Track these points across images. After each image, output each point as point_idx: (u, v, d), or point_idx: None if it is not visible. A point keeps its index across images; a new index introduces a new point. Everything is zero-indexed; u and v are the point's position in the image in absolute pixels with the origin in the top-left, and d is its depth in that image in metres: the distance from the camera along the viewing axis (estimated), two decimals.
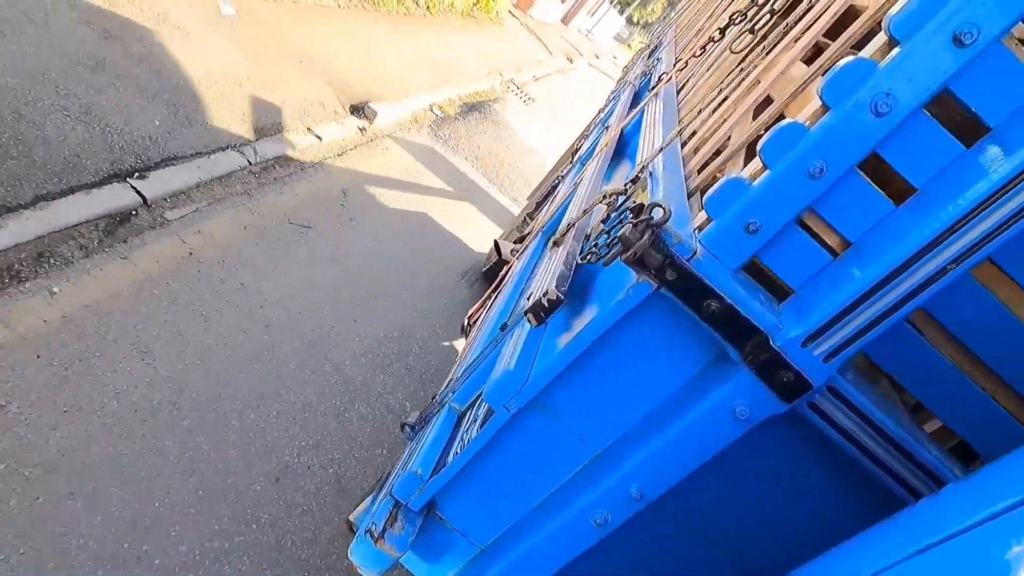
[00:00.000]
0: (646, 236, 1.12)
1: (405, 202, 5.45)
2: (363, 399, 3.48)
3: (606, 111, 4.83)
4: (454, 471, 1.53)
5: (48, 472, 2.26)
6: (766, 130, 1.48)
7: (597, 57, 23.63)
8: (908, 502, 1.33)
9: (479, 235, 6.01)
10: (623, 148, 2.77)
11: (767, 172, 1.12)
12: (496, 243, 5.54)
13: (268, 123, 4.67)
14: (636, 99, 3.63)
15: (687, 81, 2.76)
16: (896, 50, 1.02)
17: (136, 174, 3.39)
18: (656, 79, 3.08)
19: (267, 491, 2.75)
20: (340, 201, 4.70)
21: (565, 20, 24.02)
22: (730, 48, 1.95)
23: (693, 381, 1.27)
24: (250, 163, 4.19)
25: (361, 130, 5.78)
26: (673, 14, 7.10)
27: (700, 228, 1.23)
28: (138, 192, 3.34)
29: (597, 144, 3.47)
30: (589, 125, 5.93)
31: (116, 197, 3.22)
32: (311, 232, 4.16)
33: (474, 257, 5.63)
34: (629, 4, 31.36)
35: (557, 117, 11.81)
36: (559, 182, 4.54)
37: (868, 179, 1.10)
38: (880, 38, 1.09)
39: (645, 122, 2.30)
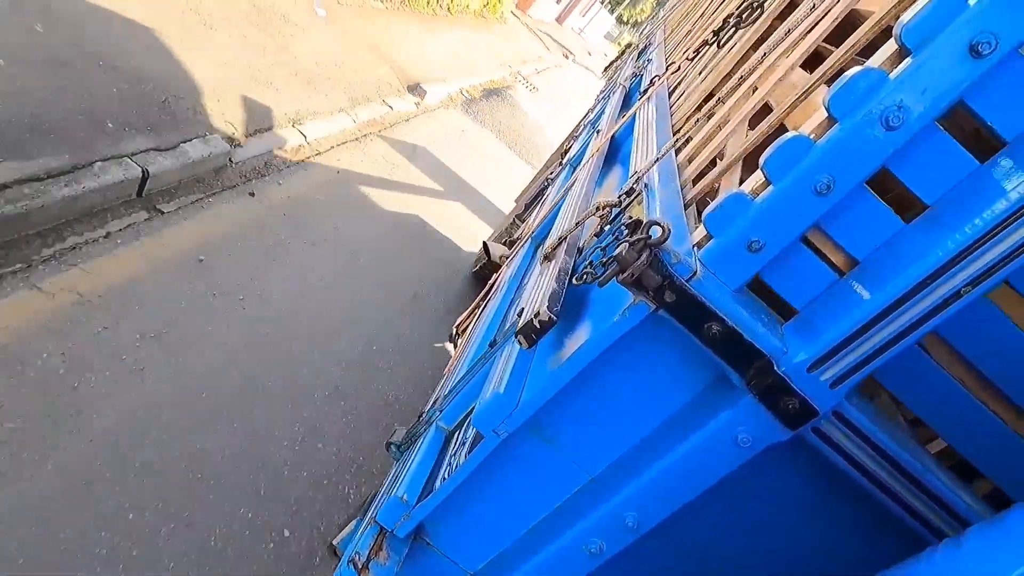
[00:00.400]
0: (644, 256, 1.05)
1: (452, 156, 7.53)
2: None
3: (595, 112, 4.76)
4: (442, 497, 1.46)
5: (292, 296, 3.83)
6: (765, 141, 1.42)
7: (589, 55, 23.67)
8: (916, 529, 1.28)
9: (506, 181, 8.07)
10: (615, 153, 2.70)
11: (770, 188, 1.06)
12: (485, 244, 5.46)
13: (359, 95, 6.61)
14: (627, 101, 3.57)
15: (679, 84, 2.70)
16: (908, 60, 0.96)
17: (296, 123, 5.26)
18: (648, 81, 3.02)
19: (408, 306, 4.63)
20: (410, 152, 6.78)
21: (559, 19, 24.09)
22: (726, 50, 1.88)
23: (692, 406, 1.21)
24: (354, 122, 6.16)
25: (416, 104, 7.65)
26: (662, 14, 7.05)
27: (699, 245, 1.16)
28: (302, 134, 5.23)
29: (586, 147, 3.39)
30: (578, 126, 5.87)
31: (292, 136, 5.10)
32: (394, 167, 6.26)
33: (498, 191, 7.86)
34: (619, 4, 31.38)
35: (556, 107, 13.85)
36: (548, 184, 4.47)
37: (877, 196, 1.04)
38: (889, 46, 1.03)
39: (638, 127, 2.23)
